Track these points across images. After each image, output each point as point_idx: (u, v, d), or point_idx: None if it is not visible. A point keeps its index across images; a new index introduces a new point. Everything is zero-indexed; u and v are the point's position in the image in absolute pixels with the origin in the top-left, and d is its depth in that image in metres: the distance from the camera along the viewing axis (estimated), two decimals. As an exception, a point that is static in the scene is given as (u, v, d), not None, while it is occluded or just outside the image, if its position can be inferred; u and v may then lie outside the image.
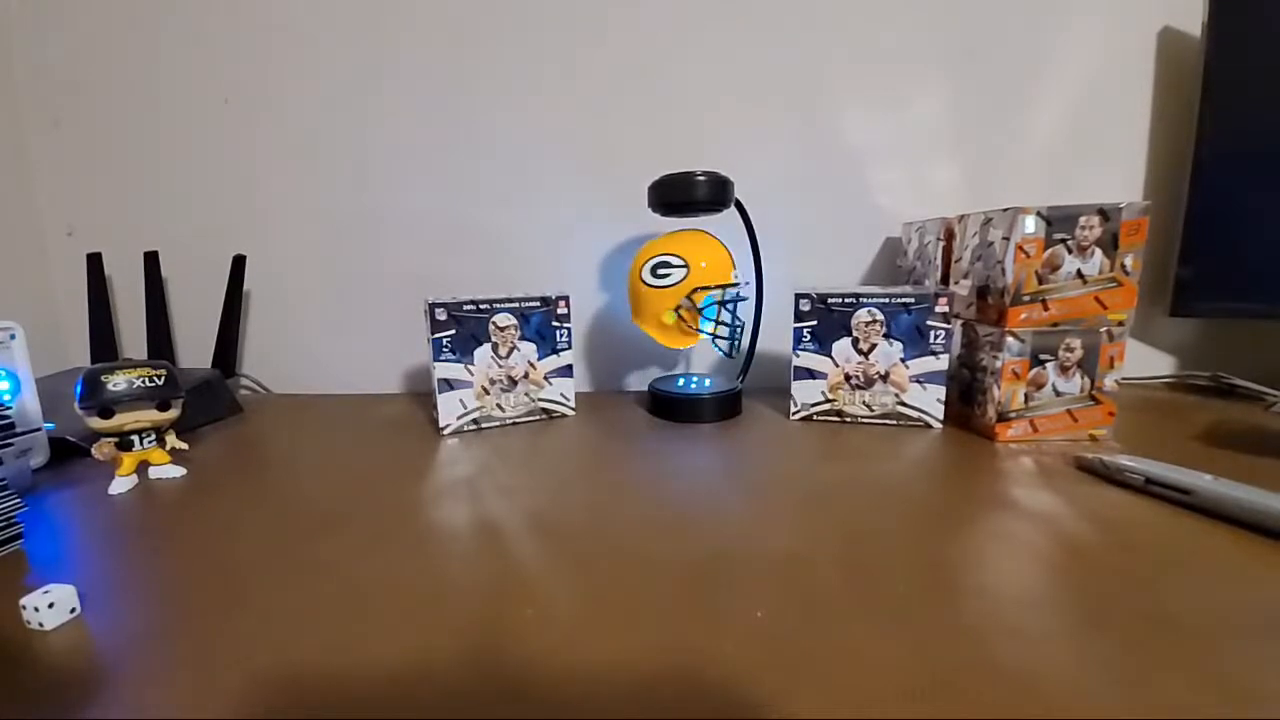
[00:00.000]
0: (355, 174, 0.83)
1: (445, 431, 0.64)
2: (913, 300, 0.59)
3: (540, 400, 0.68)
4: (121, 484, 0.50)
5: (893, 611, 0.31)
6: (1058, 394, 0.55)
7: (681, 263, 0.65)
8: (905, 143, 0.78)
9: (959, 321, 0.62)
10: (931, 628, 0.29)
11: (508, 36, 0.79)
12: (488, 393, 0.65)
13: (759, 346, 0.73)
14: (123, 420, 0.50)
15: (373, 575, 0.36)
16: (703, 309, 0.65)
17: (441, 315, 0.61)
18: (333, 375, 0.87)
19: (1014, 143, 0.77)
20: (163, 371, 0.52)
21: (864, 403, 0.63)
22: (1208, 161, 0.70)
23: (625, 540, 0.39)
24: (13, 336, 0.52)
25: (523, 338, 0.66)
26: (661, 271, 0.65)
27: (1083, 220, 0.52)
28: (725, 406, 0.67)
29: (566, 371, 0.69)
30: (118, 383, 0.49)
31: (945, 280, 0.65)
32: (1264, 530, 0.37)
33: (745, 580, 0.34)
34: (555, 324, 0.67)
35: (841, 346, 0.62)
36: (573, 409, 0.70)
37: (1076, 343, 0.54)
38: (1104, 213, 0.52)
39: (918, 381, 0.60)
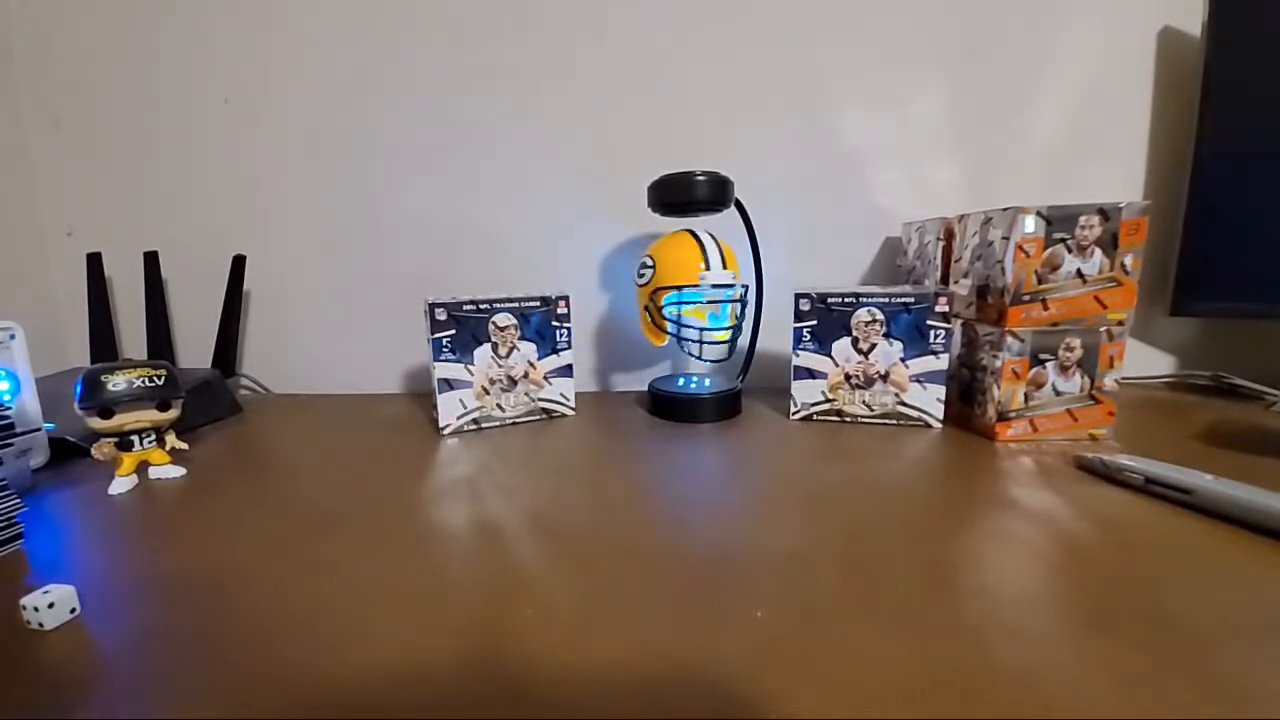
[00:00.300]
0: (355, 174, 0.83)
1: (445, 431, 0.64)
2: (913, 300, 0.59)
3: (540, 400, 0.68)
4: (121, 484, 0.50)
5: (893, 611, 0.31)
6: (1058, 393, 0.55)
7: (652, 264, 0.66)
8: (905, 143, 0.78)
9: (959, 321, 0.62)
10: (931, 628, 0.29)
11: (507, 37, 0.79)
12: (488, 393, 0.65)
13: (759, 346, 0.73)
14: (123, 420, 0.50)
15: (373, 575, 0.36)
16: (663, 308, 0.66)
17: (441, 315, 0.61)
18: (333, 375, 0.87)
19: (1014, 143, 0.77)
20: (163, 371, 0.52)
21: (864, 402, 0.63)
22: (1208, 161, 0.70)
23: (625, 540, 0.39)
24: (13, 336, 0.52)
25: (523, 338, 0.66)
26: (641, 271, 0.68)
27: (1083, 220, 0.52)
28: (725, 406, 0.67)
29: (566, 371, 0.69)
30: (118, 383, 0.49)
31: (945, 280, 0.65)
32: (1264, 530, 0.37)
33: (745, 580, 0.34)
34: (555, 324, 0.67)
35: (841, 346, 0.62)
36: (573, 409, 0.70)
37: (1076, 342, 0.54)
38: (1104, 212, 0.52)
39: (918, 381, 0.60)
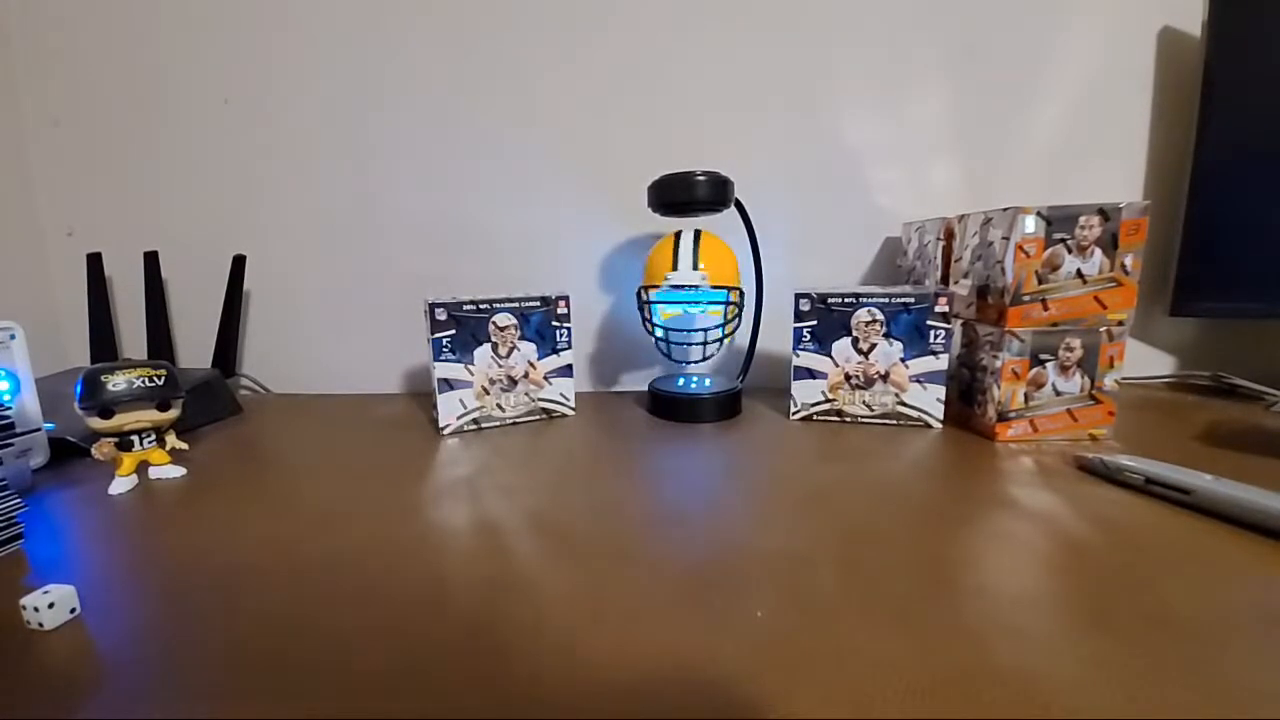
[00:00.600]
0: (355, 174, 0.83)
1: (445, 431, 0.63)
2: (913, 300, 0.59)
3: (540, 400, 0.68)
4: (121, 484, 0.50)
5: (893, 611, 0.31)
6: (1058, 394, 0.55)
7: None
8: (905, 143, 0.78)
9: (959, 321, 0.62)
10: (931, 628, 0.29)
11: (507, 37, 0.79)
12: (488, 393, 0.65)
13: (759, 346, 0.73)
14: (123, 420, 0.50)
15: (372, 575, 0.36)
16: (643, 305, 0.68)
17: (441, 315, 0.61)
18: (333, 375, 0.87)
19: (1014, 143, 0.77)
20: (163, 371, 0.52)
21: (864, 402, 0.63)
22: (1208, 161, 0.70)
23: (625, 540, 0.39)
24: (13, 336, 0.52)
25: (523, 338, 0.66)
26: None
27: (1083, 220, 0.52)
28: (725, 406, 0.67)
29: (566, 371, 0.69)
30: (118, 383, 0.49)
31: (945, 280, 0.65)
32: (1264, 530, 0.37)
33: (745, 580, 0.34)
34: (555, 324, 0.67)
35: (841, 346, 0.62)
36: (573, 409, 0.70)
37: (1076, 342, 0.54)
38: (1104, 212, 0.52)
39: (918, 381, 0.60)
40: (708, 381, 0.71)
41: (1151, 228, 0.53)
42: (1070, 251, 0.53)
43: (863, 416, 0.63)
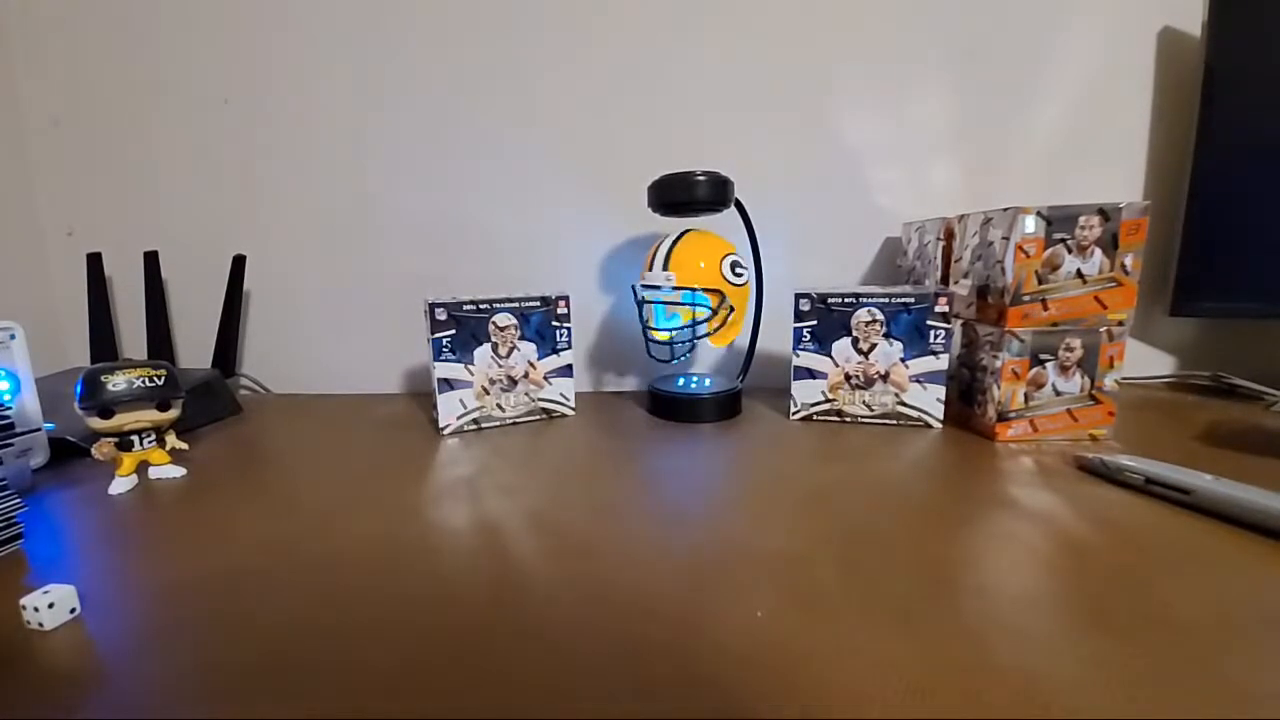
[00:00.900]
0: (355, 174, 0.83)
1: (445, 431, 0.63)
2: (913, 300, 0.59)
3: (540, 400, 0.68)
4: (121, 484, 0.50)
5: (892, 611, 0.31)
6: (1058, 394, 0.55)
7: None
8: (905, 143, 0.78)
9: (959, 321, 0.62)
10: (932, 627, 0.29)
11: (508, 37, 0.78)
12: (488, 393, 0.65)
13: (759, 346, 0.73)
14: (123, 420, 0.50)
15: (372, 575, 0.36)
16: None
17: (441, 315, 0.61)
18: (333, 375, 0.87)
19: (1014, 143, 0.77)
20: (163, 371, 0.52)
21: (864, 402, 0.63)
22: (1207, 161, 0.70)
23: (625, 540, 0.39)
24: (13, 336, 0.52)
25: (523, 338, 0.66)
26: None
27: (1083, 220, 0.52)
28: (725, 406, 0.67)
29: (566, 371, 0.69)
30: (118, 383, 0.49)
31: (945, 280, 0.65)
32: (1264, 530, 0.37)
33: (745, 580, 0.34)
34: (555, 324, 0.67)
35: (841, 346, 0.62)
36: (573, 409, 0.70)
37: (1076, 342, 0.54)
38: (1104, 213, 0.52)
39: (918, 381, 0.60)
40: (708, 381, 0.71)
41: (1151, 228, 0.53)
42: (1070, 251, 0.53)
43: (863, 416, 0.63)
